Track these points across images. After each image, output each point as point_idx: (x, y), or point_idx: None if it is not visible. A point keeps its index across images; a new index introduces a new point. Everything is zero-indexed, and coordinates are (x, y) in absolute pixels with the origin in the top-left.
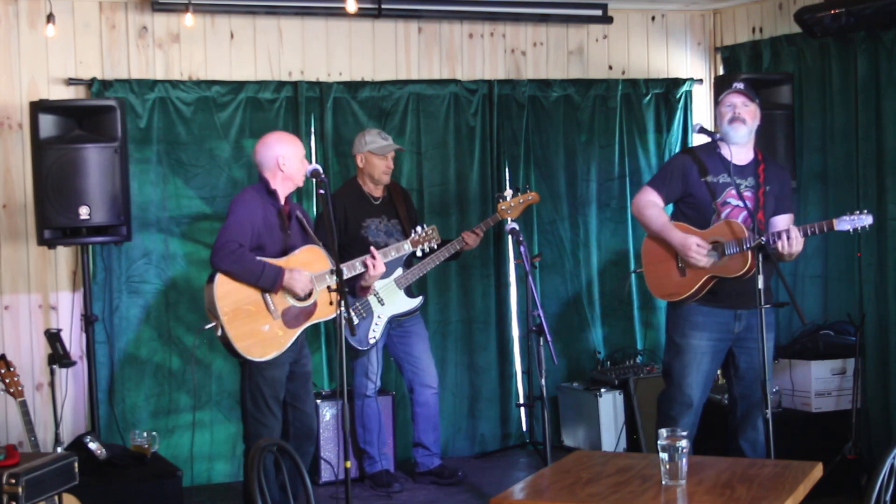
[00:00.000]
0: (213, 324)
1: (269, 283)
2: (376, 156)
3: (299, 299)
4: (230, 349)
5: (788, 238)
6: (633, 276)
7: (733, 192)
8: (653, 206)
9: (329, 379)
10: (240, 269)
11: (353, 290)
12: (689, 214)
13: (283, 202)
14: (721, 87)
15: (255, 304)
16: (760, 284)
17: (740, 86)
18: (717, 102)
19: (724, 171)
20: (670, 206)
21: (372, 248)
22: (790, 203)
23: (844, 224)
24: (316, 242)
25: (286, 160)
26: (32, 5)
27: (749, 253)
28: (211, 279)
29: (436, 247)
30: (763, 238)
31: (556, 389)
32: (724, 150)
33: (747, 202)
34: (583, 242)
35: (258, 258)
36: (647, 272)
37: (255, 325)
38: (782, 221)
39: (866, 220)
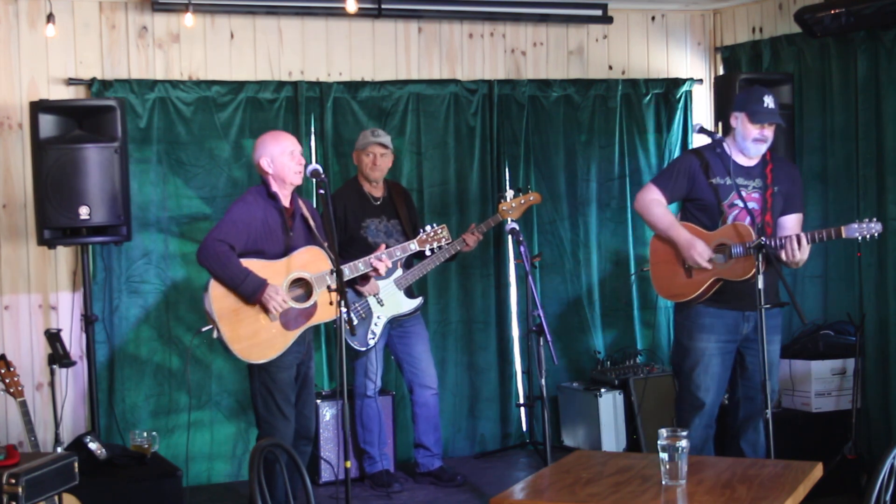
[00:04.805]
0: (210, 327)
1: (249, 293)
2: (361, 152)
3: (298, 300)
4: (229, 352)
5: (799, 244)
6: (633, 277)
7: (740, 193)
8: (658, 204)
9: (329, 379)
10: (221, 272)
11: (352, 284)
12: (698, 216)
13: (287, 203)
14: (722, 87)
15: (251, 307)
16: (760, 284)
17: (780, 121)
18: (747, 112)
19: (729, 172)
20: (675, 207)
21: (382, 245)
22: (800, 202)
23: (853, 232)
24: (320, 244)
25: (272, 161)
26: (32, 5)
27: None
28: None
29: (444, 245)
30: (763, 239)
31: (556, 389)
32: (730, 152)
33: (754, 204)
34: (583, 242)
35: (245, 266)
36: (653, 271)
37: (251, 328)
38: (790, 222)
39: (875, 227)
